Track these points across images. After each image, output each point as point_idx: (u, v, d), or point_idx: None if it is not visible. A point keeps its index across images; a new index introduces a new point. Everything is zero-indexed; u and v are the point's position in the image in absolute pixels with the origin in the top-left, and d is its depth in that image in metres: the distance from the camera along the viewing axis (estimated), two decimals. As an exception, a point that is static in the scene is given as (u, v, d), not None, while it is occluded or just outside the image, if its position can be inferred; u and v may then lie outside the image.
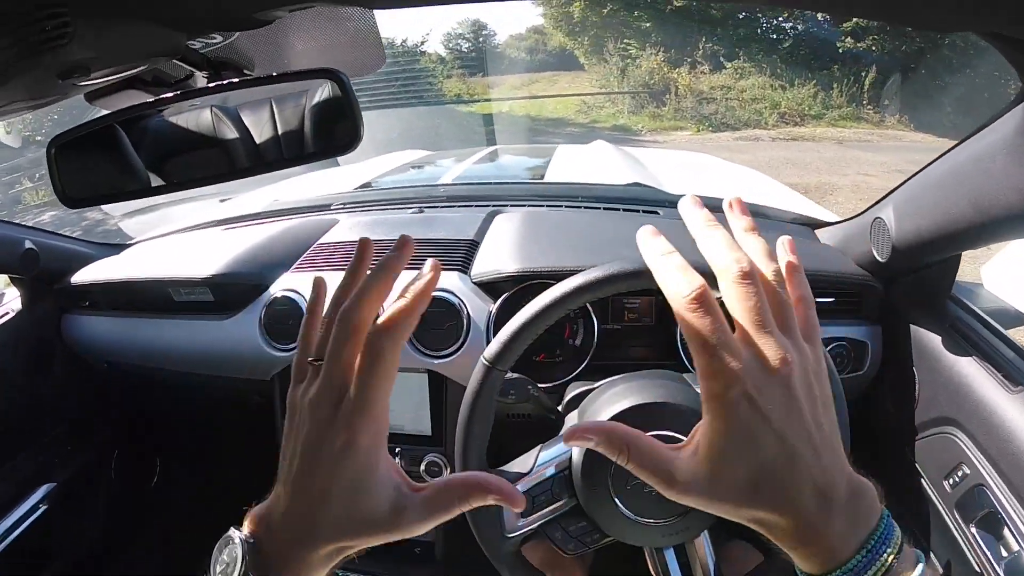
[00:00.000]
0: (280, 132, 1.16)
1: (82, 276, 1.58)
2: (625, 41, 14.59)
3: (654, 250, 0.43)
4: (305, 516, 0.44)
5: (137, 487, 1.99)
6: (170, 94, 0.76)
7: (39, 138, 13.83)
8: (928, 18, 0.46)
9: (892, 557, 0.39)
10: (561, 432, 0.94)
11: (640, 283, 0.83)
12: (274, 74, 0.77)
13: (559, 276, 1.05)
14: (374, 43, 0.86)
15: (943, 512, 1.05)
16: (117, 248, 1.75)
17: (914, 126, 11.82)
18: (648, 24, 13.96)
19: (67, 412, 1.72)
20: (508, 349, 0.86)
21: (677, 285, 0.39)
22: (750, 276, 0.40)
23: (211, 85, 0.76)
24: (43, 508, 1.57)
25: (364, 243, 0.51)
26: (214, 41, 0.66)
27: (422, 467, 1.26)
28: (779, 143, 11.13)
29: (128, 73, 0.64)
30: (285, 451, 0.46)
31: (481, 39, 17.10)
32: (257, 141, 1.15)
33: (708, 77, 13.81)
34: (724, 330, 0.39)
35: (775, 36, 14.06)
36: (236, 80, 0.76)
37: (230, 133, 1.14)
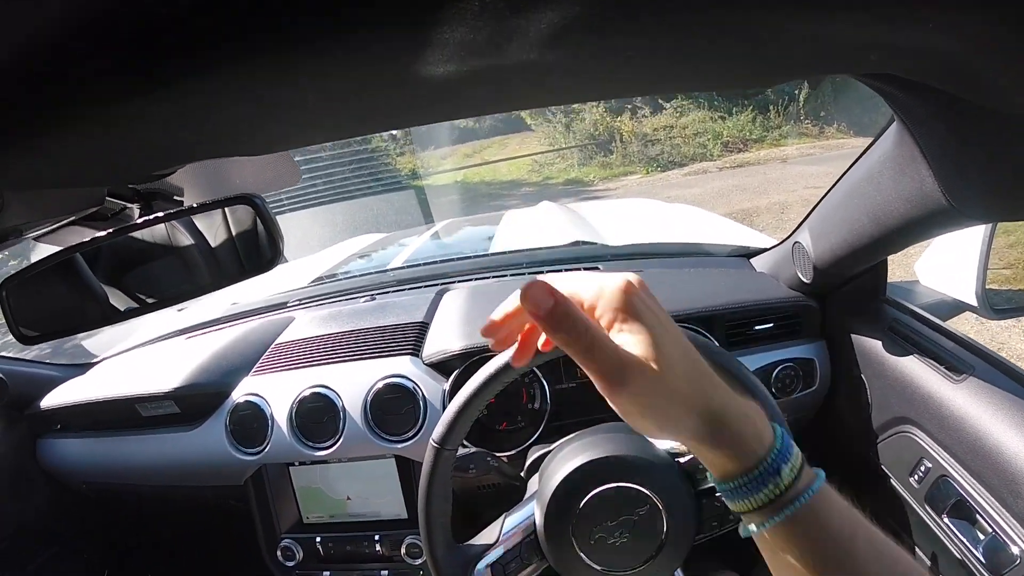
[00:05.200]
0: (234, 232, 1.20)
1: (51, 400, 1.57)
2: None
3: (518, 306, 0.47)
4: None
5: None
6: (107, 231, 0.79)
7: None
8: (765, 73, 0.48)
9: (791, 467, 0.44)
10: (526, 496, 0.95)
11: None
12: (195, 205, 0.81)
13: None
14: (287, 161, 0.91)
15: (916, 508, 1.07)
16: (83, 368, 1.74)
17: (854, 132, 12.20)
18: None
19: (54, 536, 1.68)
20: (453, 428, 0.87)
21: (536, 308, 0.41)
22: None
23: (140, 220, 0.79)
24: None
25: None
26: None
27: (403, 550, 1.27)
28: (726, 171, 11.42)
29: (62, 223, 0.68)
30: None
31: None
32: (212, 245, 1.19)
33: (650, 120, 14.18)
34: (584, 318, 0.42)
35: (708, 70, 14.51)
36: (167, 213, 0.79)
37: (186, 240, 1.18)
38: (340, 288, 1.83)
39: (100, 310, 1.11)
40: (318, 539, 1.31)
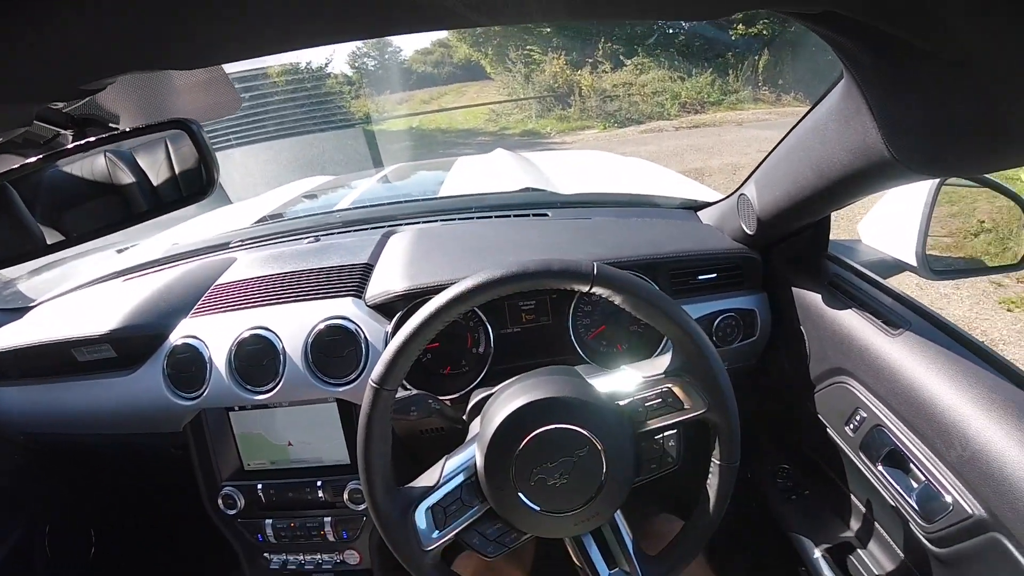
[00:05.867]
0: (178, 171, 1.16)
1: None
2: (528, 48, 14.85)
3: None
4: None
5: (75, 561, 1.92)
6: (38, 156, 0.75)
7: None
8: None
9: None
10: (468, 438, 0.96)
11: (515, 287, 0.85)
12: (127, 129, 0.77)
13: (440, 290, 1.10)
14: (226, 87, 0.87)
15: (851, 456, 1.11)
16: (18, 312, 1.67)
17: (810, 101, 12.33)
18: (548, 29, 14.23)
19: None
20: (392, 368, 0.86)
21: None
22: None
23: (72, 146, 0.75)
24: None
25: None
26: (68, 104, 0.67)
27: (345, 496, 1.27)
28: (682, 131, 11.51)
29: (-7, 143, 0.64)
30: None
31: (387, 56, 17.04)
32: (155, 183, 1.15)
33: (610, 75, 14.18)
34: None
35: (670, 31, 14.53)
36: (100, 137, 0.75)
37: (126, 178, 1.13)
38: (284, 229, 1.78)
39: (33, 242, 1.08)
40: (259, 486, 1.30)
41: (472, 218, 1.57)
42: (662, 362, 0.91)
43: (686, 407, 0.88)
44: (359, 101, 14.09)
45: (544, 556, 1.26)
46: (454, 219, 1.56)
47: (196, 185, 0.85)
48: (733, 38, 13.67)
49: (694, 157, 8.69)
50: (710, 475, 0.91)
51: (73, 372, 1.45)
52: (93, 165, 1.11)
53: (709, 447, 0.90)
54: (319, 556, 1.34)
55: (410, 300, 1.21)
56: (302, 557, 1.35)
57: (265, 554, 1.37)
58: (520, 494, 0.84)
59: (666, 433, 0.89)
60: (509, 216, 1.55)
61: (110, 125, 0.83)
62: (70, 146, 0.75)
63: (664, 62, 13.95)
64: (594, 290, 0.86)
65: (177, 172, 1.12)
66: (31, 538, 1.71)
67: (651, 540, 1.03)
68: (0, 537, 1.61)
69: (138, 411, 1.36)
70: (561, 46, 14.44)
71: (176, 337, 1.32)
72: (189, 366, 1.29)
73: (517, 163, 2.67)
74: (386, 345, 1.19)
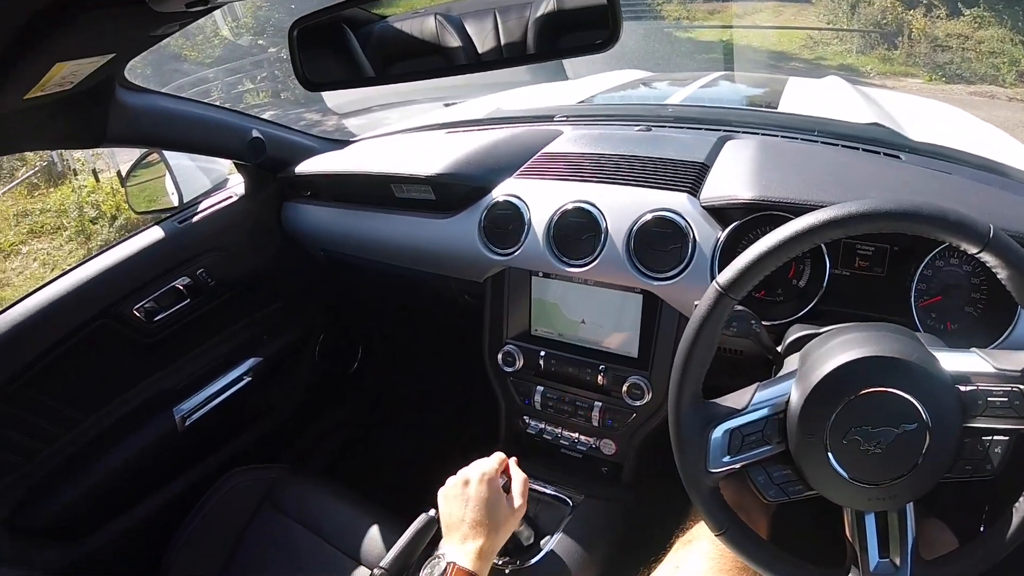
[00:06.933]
0: (503, 43, 1.17)
1: (306, 167, 1.65)
2: (859, -26, 13.36)
3: None
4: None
5: (337, 370, 2.16)
6: None
7: (261, 41, 15.02)
8: None
9: None
10: (779, 374, 0.90)
11: (899, 226, 0.77)
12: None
13: (797, 209, 1.00)
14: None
15: None
16: (340, 144, 1.81)
17: None
18: (884, -45, 12.68)
19: (280, 294, 1.84)
20: (744, 277, 0.82)
21: None
22: None
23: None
24: (247, 380, 1.72)
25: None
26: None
27: (624, 387, 1.25)
28: (1015, 103, 9.88)
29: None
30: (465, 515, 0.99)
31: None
32: (479, 50, 1.18)
33: (944, 23, 12.45)
34: None
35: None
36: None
37: (452, 41, 1.17)
38: (612, 113, 1.75)
39: (360, 74, 1.19)
40: (542, 353, 1.33)
41: (815, 141, 1.42)
42: (1021, 358, 0.78)
43: None
44: (671, 6, 13.65)
45: (788, 515, 1.17)
46: (796, 138, 1.43)
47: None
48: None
49: (1026, 136, 7.40)
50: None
51: (387, 205, 1.55)
52: (423, 25, 1.16)
53: None
54: (576, 436, 1.36)
55: (752, 211, 1.12)
56: (560, 431, 1.38)
57: (525, 417, 1.42)
58: (828, 452, 0.78)
59: (996, 437, 0.78)
60: (857, 149, 1.38)
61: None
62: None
63: (1007, 20, 11.88)
64: (982, 255, 0.76)
65: (503, 43, 1.14)
66: (306, 340, 1.93)
67: (919, 542, 0.92)
68: (278, 335, 1.82)
69: (445, 254, 1.43)
70: (896, -22, 12.82)
71: (499, 193, 1.36)
72: (507, 223, 1.32)
73: (857, 96, 2.40)
74: (715, 251, 1.14)
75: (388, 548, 1.28)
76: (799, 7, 14.73)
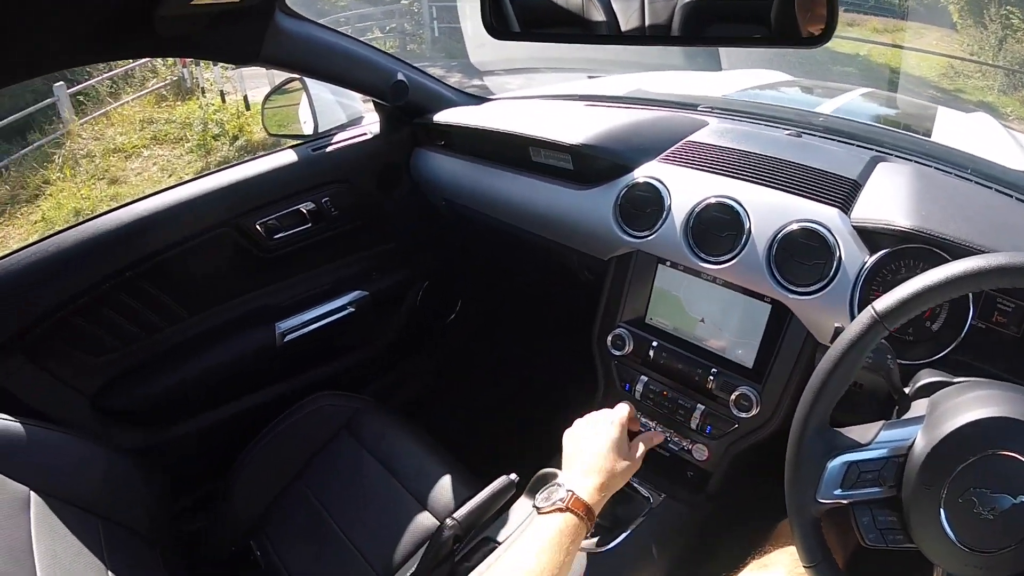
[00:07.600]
0: (647, 24, 1.14)
1: (444, 116, 1.66)
2: (1008, 7, 12.44)
3: None
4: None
5: (433, 319, 2.19)
6: None
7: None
8: None
9: None
10: (904, 416, 0.86)
11: None
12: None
13: (956, 249, 0.96)
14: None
15: None
16: (479, 100, 1.83)
17: None
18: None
19: (395, 235, 1.89)
20: (903, 308, 0.77)
21: None
22: None
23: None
24: (349, 311, 1.78)
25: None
26: None
27: (732, 396, 1.20)
28: None
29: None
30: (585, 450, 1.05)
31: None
32: (623, 28, 1.15)
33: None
34: None
35: None
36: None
37: (597, 15, 1.16)
38: (758, 111, 1.68)
39: (507, 27, 1.24)
40: (654, 343, 1.29)
41: (969, 180, 1.33)
42: None
43: None
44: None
45: (866, 560, 1.12)
46: (950, 172, 1.34)
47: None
48: None
49: None
50: None
51: (521, 167, 1.55)
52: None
53: None
54: (670, 434, 1.32)
55: (908, 240, 1.05)
56: (654, 425, 1.34)
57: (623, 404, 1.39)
58: (942, 507, 0.74)
59: None
60: (1011, 196, 1.28)
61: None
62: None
63: None
64: None
65: (647, 24, 1.11)
66: (411, 284, 1.97)
67: None
68: (387, 273, 1.87)
69: (575, 225, 1.42)
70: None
71: (640, 174, 1.33)
72: (644, 206, 1.29)
73: (1009, 138, 2.25)
74: (859, 274, 1.08)
75: (457, 501, 1.30)
76: (943, 32, 13.86)
